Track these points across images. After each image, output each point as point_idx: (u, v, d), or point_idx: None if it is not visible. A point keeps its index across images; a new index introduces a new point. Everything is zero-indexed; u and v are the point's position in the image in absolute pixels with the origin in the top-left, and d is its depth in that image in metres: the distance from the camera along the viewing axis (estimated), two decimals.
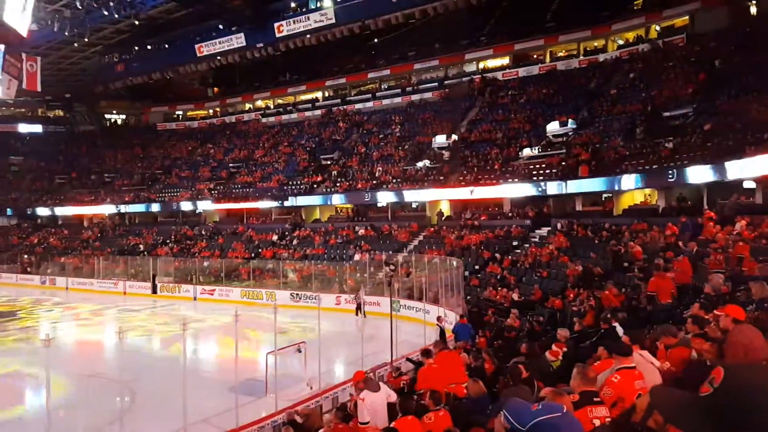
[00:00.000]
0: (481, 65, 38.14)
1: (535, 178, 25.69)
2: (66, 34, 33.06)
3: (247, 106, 49.48)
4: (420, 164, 30.66)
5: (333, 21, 33.27)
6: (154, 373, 14.26)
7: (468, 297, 20.18)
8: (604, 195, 24.86)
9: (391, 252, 25.87)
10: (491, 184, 26.81)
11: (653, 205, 22.96)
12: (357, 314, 21.77)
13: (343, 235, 30.49)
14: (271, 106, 47.85)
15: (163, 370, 14.88)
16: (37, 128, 53.08)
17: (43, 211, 44.53)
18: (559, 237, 22.28)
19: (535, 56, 36.42)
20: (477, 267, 23.21)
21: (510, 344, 12.28)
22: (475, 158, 29.44)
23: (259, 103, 48.90)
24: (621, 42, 33.13)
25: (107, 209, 42.33)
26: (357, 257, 26.91)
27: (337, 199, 33.22)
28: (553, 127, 27.34)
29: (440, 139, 30.79)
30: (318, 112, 43.69)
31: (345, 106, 42.25)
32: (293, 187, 35.17)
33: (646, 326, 8.34)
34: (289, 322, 19.12)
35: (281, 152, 40.42)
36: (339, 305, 22.97)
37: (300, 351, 13.29)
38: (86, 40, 36.37)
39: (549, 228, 24.13)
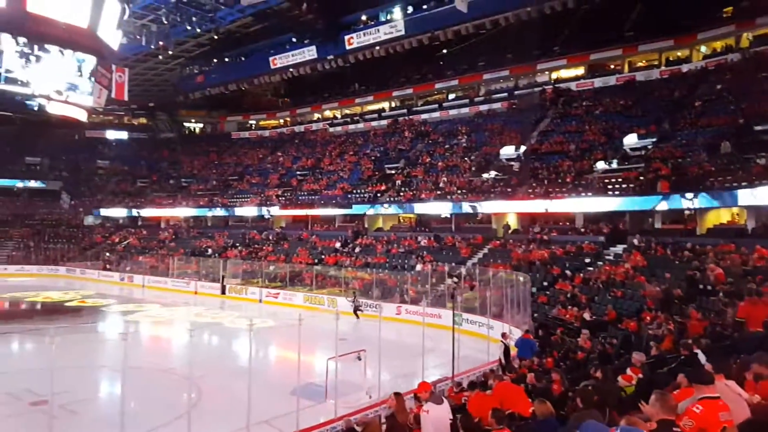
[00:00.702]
0: (554, 75, 37.15)
1: (610, 193, 24.54)
2: (152, 47, 34.96)
3: (316, 116, 50.59)
4: (487, 175, 30.07)
5: (402, 33, 33.43)
6: (220, 371, 14.65)
7: (535, 314, 19.47)
8: (687, 212, 23.39)
9: (453, 264, 25.47)
10: (562, 197, 25.86)
11: (741, 225, 21.37)
12: (357, 317, 22.76)
13: (405, 244, 30.36)
14: (339, 116, 48.68)
15: (229, 368, 15.27)
16: (123, 135, 56.64)
17: (125, 212, 47.18)
18: (635, 255, 21.13)
19: (612, 66, 35.07)
20: (545, 283, 22.36)
21: (579, 366, 11.88)
22: (545, 170, 28.55)
23: (328, 113, 49.89)
24: (707, 51, 31.29)
25: (183, 212, 44.34)
26: (419, 267, 26.66)
27: (401, 209, 33.17)
28: (630, 139, 26.07)
29: (509, 150, 30.09)
30: (384, 122, 44.02)
31: (411, 116, 42.32)
32: (357, 195, 35.47)
33: (731, 355, 7.67)
34: (350, 330, 19.11)
35: (347, 161, 40.98)
36: (400, 315, 22.79)
37: (360, 359, 13.23)
38: (170, 52, 38.46)
39: (625, 245, 22.96)
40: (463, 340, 16.14)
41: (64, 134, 49.18)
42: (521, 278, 19.51)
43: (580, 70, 36.27)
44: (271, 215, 39.61)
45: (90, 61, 18.51)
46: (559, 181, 27.22)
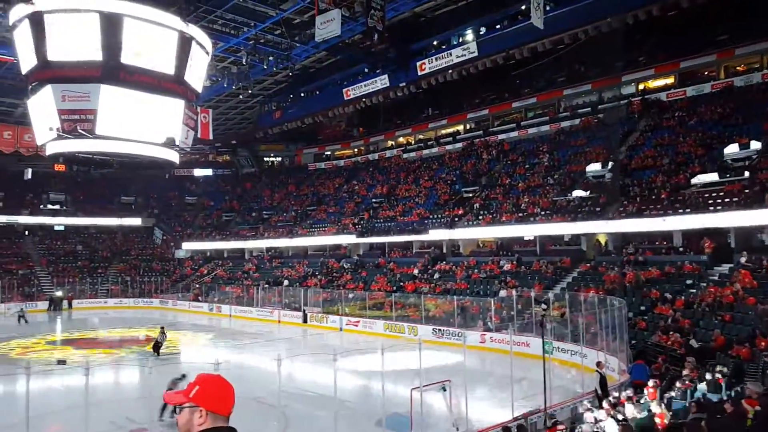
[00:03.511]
0: (641, 86, 35.19)
1: (711, 208, 22.52)
2: (233, 87, 36.76)
3: (389, 143, 50.91)
4: (573, 194, 28.66)
5: (476, 54, 33.00)
6: (305, 400, 14.51)
7: (633, 341, 18.10)
8: None
9: (541, 289, 24.20)
10: (657, 214, 24.04)
11: None
12: None
13: (486, 269, 29.33)
14: (412, 142, 48.68)
15: (314, 397, 15.10)
16: (208, 172, 59.78)
17: (212, 245, 49.23)
18: (744, 275, 19.17)
19: (705, 73, 32.73)
20: (643, 308, 20.68)
21: (686, 397, 11.07)
22: (637, 186, 26.80)
23: (401, 140, 50.05)
24: None
25: (265, 243, 45.60)
26: (503, 293, 25.55)
27: (480, 233, 32.25)
28: (731, 150, 23.96)
29: (595, 167, 28.61)
30: (459, 144, 43.45)
31: (487, 137, 41.50)
32: (434, 220, 34.93)
33: None
34: (433, 359, 18.43)
35: (422, 186, 40.68)
36: (484, 343, 21.78)
37: (445, 389, 12.63)
38: (249, 91, 40.29)
39: (731, 264, 20.90)
40: (554, 370, 15.23)
41: (155, 174, 52.41)
42: (616, 302, 18.18)
43: (669, 80, 34.12)
44: (347, 243, 39.82)
45: (178, 105, 19.61)
46: (653, 197, 25.42)
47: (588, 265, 26.02)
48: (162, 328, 22.67)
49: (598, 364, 14.15)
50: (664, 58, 34.03)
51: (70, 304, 40.22)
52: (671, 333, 17.61)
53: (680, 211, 23.51)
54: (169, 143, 18.50)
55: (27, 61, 18.08)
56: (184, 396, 2.01)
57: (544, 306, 22.40)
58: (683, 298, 19.96)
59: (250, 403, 14.89)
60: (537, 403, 12.40)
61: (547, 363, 13.01)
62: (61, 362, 17.40)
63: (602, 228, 26.74)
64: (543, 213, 29.20)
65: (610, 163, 28.78)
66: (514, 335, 20.75)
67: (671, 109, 31.74)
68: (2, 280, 39.24)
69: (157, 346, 21.40)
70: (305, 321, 31.21)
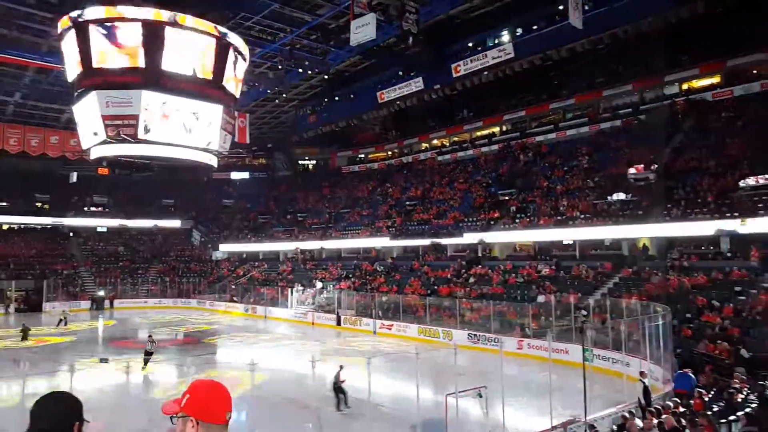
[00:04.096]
0: (684, 86, 34.04)
1: (762, 212, 21.55)
2: (269, 92, 37.25)
3: (424, 145, 50.66)
4: (614, 197, 27.91)
5: (512, 55, 32.47)
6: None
7: (678, 350, 17.45)
8: None
9: (580, 294, 23.60)
10: (704, 218, 23.17)
11: None
12: None
13: (523, 274, 28.81)
14: (447, 144, 48.33)
15: (348, 400, 15.06)
16: (245, 175, 60.70)
17: (248, 247, 49.95)
18: None
19: (754, 72, 31.41)
20: (689, 315, 19.93)
21: (734, 409, 10.48)
22: (681, 190, 25.89)
23: (435, 142, 49.74)
24: None
25: (299, 245, 45.99)
26: (541, 299, 25.04)
27: (517, 236, 31.72)
28: None
29: (638, 170, 27.78)
30: (495, 146, 42.89)
31: (524, 139, 40.85)
32: (469, 223, 34.53)
33: None
34: (468, 364, 18.21)
35: (457, 189, 40.31)
36: (521, 350, 21.38)
37: (481, 396, 12.38)
38: (285, 96, 40.70)
39: None
40: (595, 378, 14.84)
41: (194, 177, 53.50)
42: (659, 309, 17.60)
43: (715, 79, 32.87)
44: (381, 246, 39.78)
45: (216, 110, 20.02)
46: (699, 200, 24.52)
47: (630, 270, 25.25)
48: (150, 336, 20.65)
49: (642, 373, 13.73)
50: (709, 57, 32.77)
51: (111, 304, 41.49)
52: (719, 342, 16.96)
53: (728, 215, 22.60)
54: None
55: (73, 68, 18.77)
56: (177, 405, 1.96)
57: (584, 312, 21.87)
58: (732, 305, 19.19)
59: (285, 404, 14.98)
60: (576, 412, 12.06)
61: (587, 371, 12.66)
62: (104, 360, 17.87)
63: (645, 232, 25.96)
64: (582, 216, 28.52)
65: (653, 166, 27.91)
66: (553, 342, 20.40)
67: (717, 109, 30.57)
68: (48, 280, 40.68)
69: (148, 355, 19.42)
70: (339, 323, 31.28)
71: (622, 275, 25.12)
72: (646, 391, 13.04)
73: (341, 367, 14.97)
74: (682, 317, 19.77)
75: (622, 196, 27.79)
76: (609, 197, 28.40)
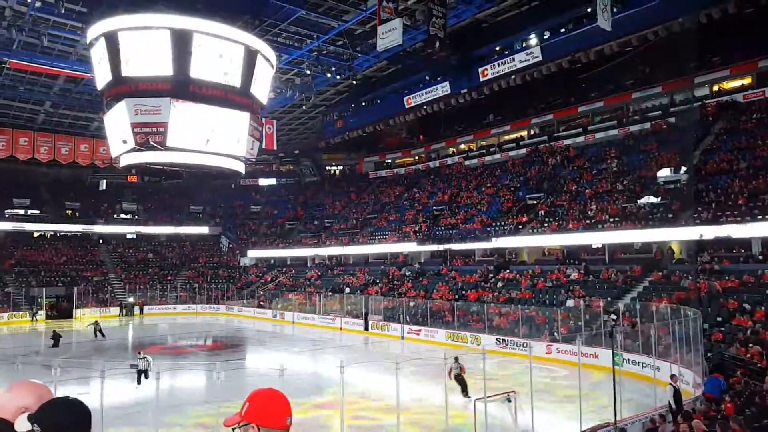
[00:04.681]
0: (715, 88, 33.31)
1: None
2: (296, 98, 37.70)
3: (451, 150, 50.56)
4: (644, 200, 27.43)
5: (540, 58, 32.23)
6: (369, 409, 14.54)
7: (709, 354, 17.16)
8: None
9: (609, 298, 23.21)
10: (734, 221, 22.59)
11: None
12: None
13: (552, 278, 28.47)
14: (474, 149, 48.13)
15: (377, 406, 15.12)
16: (272, 181, 61.42)
17: (275, 253, 50.45)
18: None
19: None
20: (719, 319, 19.49)
21: (766, 413, 10.21)
22: (712, 192, 25.32)
23: (462, 147, 49.58)
24: None
25: (327, 251, 46.29)
26: (570, 303, 24.70)
27: (545, 240, 31.37)
28: None
29: (667, 173, 27.30)
30: (523, 150, 42.61)
31: (552, 143, 40.46)
32: (497, 228, 34.31)
33: None
34: (497, 369, 18.08)
35: (484, 193, 40.11)
36: (550, 354, 21.13)
37: (510, 400, 12.27)
38: (312, 102, 41.11)
39: None
40: (625, 383, 14.58)
41: (222, 184, 54.39)
42: (690, 313, 17.23)
43: (746, 80, 32.12)
44: (408, 251, 39.75)
45: (244, 117, 20.29)
46: (730, 203, 23.94)
47: (660, 274, 24.77)
48: (139, 351, 19.41)
49: (672, 377, 13.51)
50: (740, 58, 32.08)
51: (141, 310, 42.11)
52: (750, 345, 16.50)
53: (759, 217, 22.03)
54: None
55: (102, 77, 19.22)
56: (238, 416, 1.99)
57: (613, 316, 21.51)
58: (763, 308, 18.75)
59: (312, 409, 15.07)
60: (606, 416, 11.90)
61: (617, 375, 12.45)
62: (134, 366, 18.13)
63: (675, 235, 25.43)
64: (612, 220, 28.10)
65: (683, 168, 27.37)
66: (582, 346, 20.10)
67: (749, 110, 29.86)
68: (78, 287, 41.35)
69: (141, 373, 18.12)
70: (366, 329, 31.34)
71: (651, 279, 24.67)
72: (677, 395, 12.82)
73: (456, 358, 15.89)
74: (712, 321, 19.40)
75: (651, 199, 27.29)
76: (638, 200, 27.92)
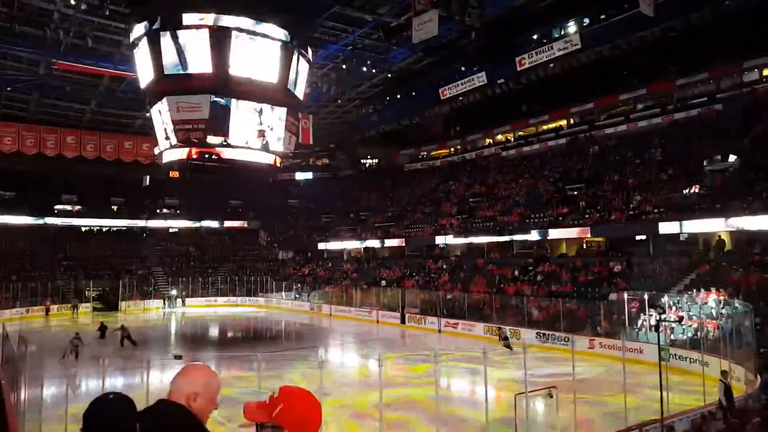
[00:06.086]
0: (766, 72, 31.82)
1: None
2: (332, 93, 37.86)
3: (487, 141, 49.92)
4: (690, 190, 26.50)
5: (579, 46, 31.37)
6: (406, 402, 14.55)
7: (762, 350, 16.46)
8: None
9: (655, 292, 22.56)
10: None
11: None
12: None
13: (594, 271, 27.84)
14: (512, 139, 47.38)
15: (415, 400, 15.11)
16: (309, 175, 61.96)
17: (312, 246, 51.00)
18: None
19: None
20: None
21: None
22: (763, 181, 24.25)
23: (499, 137, 48.88)
24: None
25: (363, 243, 46.50)
26: (613, 297, 24.13)
27: (587, 232, 30.69)
28: None
29: (715, 162, 26.27)
30: (562, 140, 41.68)
31: (593, 132, 39.45)
32: (536, 219, 33.74)
33: None
34: (537, 364, 17.81)
35: (522, 185, 39.47)
36: (593, 349, 20.72)
37: (551, 396, 12.12)
38: (347, 96, 41.18)
39: None
40: (672, 379, 14.22)
41: (260, 178, 55.06)
42: (740, 307, 16.61)
43: None
44: (445, 244, 39.56)
45: (281, 113, 20.51)
46: None
47: (708, 266, 23.91)
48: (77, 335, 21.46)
49: (723, 373, 13.03)
50: None
51: (183, 302, 43.28)
52: None
53: None
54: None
55: (145, 76, 19.73)
56: (267, 414, 1.82)
57: (659, 310, 20.91)
58: None
59: (350, 401, 15.16)
60: (652, 413, 11.59)
61: (664, 371, 12.11)
62: (178, 357, 18.57)
63: (724, 226, 24.47)
64: (656, 211, 27.26)
65: (732, 157, 26.27)
66: (626, 341, 19.65)
67: None
68: (123, 280, 42.78)
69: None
70: (403, 321, 31.37)
71: (699, 271, 23.85)
72: (728, 392, 12.41)
73: (500, 328, 17.89)
74: (765, 315, 18.56)
75: (698, 189, 26.33)
76: (684, 190, 26.97)
